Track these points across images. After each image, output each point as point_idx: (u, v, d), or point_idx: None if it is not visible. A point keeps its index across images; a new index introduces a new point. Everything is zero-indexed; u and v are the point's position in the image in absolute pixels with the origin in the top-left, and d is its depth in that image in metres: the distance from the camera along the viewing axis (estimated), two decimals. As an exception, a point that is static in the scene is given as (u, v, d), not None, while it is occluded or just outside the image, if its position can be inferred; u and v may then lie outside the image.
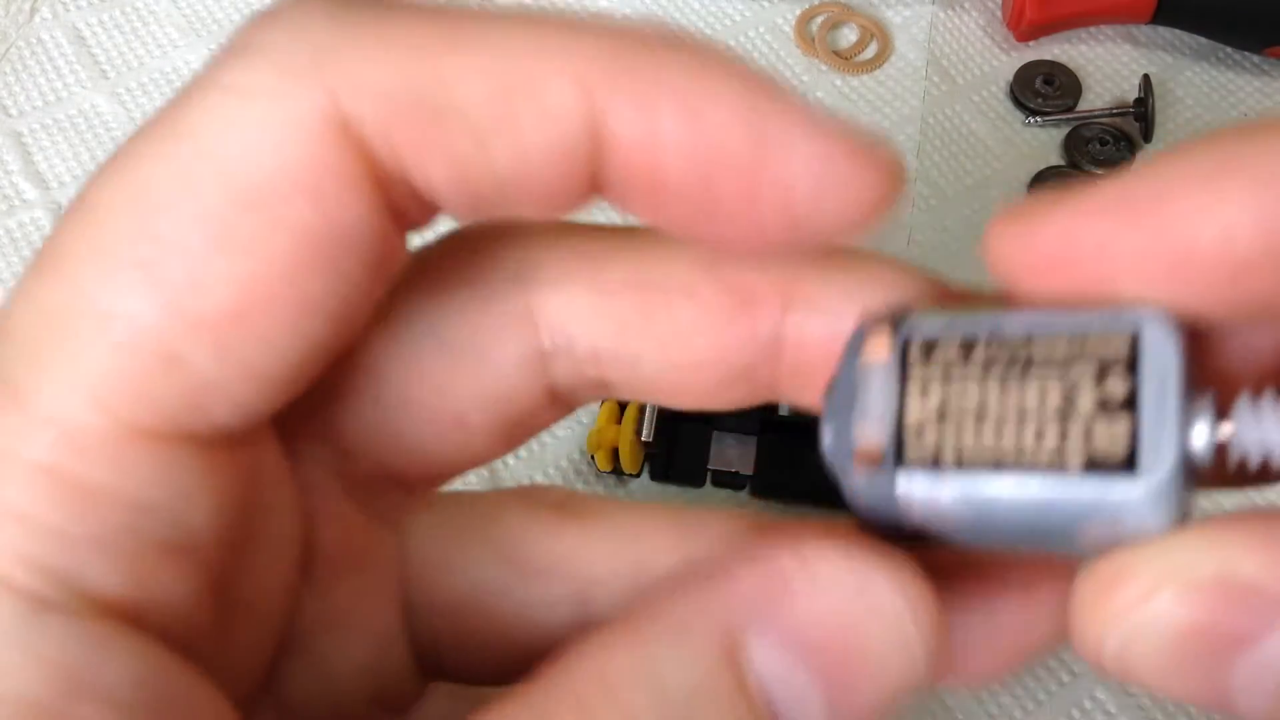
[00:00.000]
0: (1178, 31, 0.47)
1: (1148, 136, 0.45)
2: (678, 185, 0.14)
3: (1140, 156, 0.45)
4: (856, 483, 0.16)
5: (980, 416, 0.15)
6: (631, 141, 0.14)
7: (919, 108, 0.46)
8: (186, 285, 0.14)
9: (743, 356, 0.17)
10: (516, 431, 0.19)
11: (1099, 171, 0.44)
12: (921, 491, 0.15)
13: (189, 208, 0.14)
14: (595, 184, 0.15)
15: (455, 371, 0.18)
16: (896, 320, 0.16)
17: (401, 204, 0.15)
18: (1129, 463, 0.15)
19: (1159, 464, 0.14)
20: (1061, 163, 0.44)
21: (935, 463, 0.15)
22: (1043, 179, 0.44)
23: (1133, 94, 0.46)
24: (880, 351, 0.16)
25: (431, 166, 0.14)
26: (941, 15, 0.48)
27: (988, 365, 0.15)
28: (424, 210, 0.15)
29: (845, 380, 0.16)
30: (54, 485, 0.13)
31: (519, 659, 0.19)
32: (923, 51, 0.47)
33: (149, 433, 0.14)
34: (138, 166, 0.14)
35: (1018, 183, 0.44)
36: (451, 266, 0.18)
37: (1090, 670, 0.34)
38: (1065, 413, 0.15)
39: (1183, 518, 0.14)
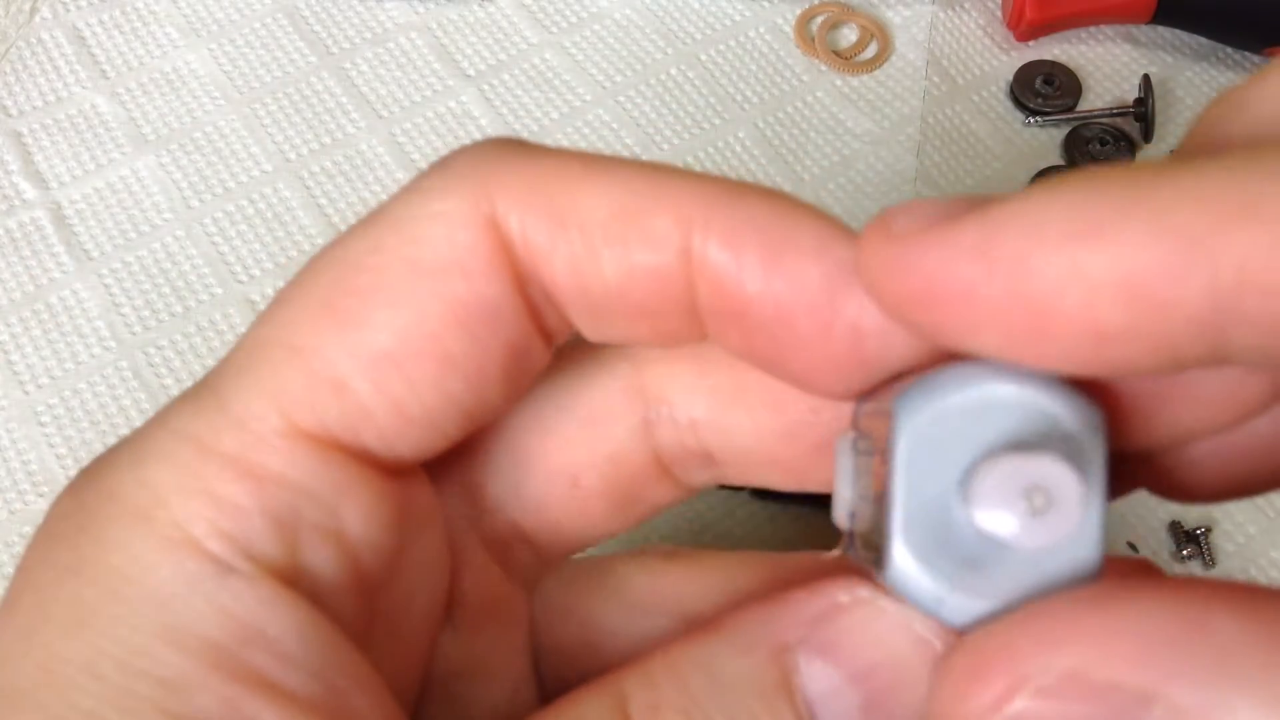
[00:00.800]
0: (1178, 32, 0.47)
1: (1148, 137, 0.45)
2: (757, 315, 0.17)
3: (1140, 157, 0.45)
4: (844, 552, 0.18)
5: (865, 499, 0.17)
6: (720, 273, 0.17)
7: (919, 108, 0.46)
8: (359, 330, 0.17)
9: (834, 425, 0.19)
10: (630, 499, 0.21)
11: (1099, 172, 0.44)
12: (861, 568, 0.17)
13: (372, 272, 0.17)
14: (696, 316, 0.18)
15: (570, 434, 0.20)
16: (865, 396, 0.17)
17: (538, 301, 0.18)
18: (880, 553, 0.15)
19: (887, 552, 0.15)
20: (1061, 163, 0.44)
21: (858, 553, 0.17)
22: (1043, 179, 0.44)
23: (1133, 94, 0.46)
24: (840, 439, 0.18)
25: (555, 265, 0.17)
26: (941, 15, 0.48)
27: (869, 447, 0.17)
28: (561, 320, 0.18)
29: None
30: (239, 470, 0.16)
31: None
32: (923, 51, 0.47)
33: (315, 438, 0.17)
34: (346, 240, 0.18)
35: (1017, 183, 0.44)
36: (575, 345, 0.20)
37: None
38: (877, 497, 0.16)
39: (955, 597, 0.15)
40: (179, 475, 0.16)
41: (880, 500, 0.16)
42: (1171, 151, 0.45)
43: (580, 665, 0.22)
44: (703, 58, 0.47)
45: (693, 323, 0.18)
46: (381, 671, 0.18)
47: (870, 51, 0.47)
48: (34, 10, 0.47)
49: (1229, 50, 0.47)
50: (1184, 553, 0.37)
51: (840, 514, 0.18)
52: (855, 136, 0.45)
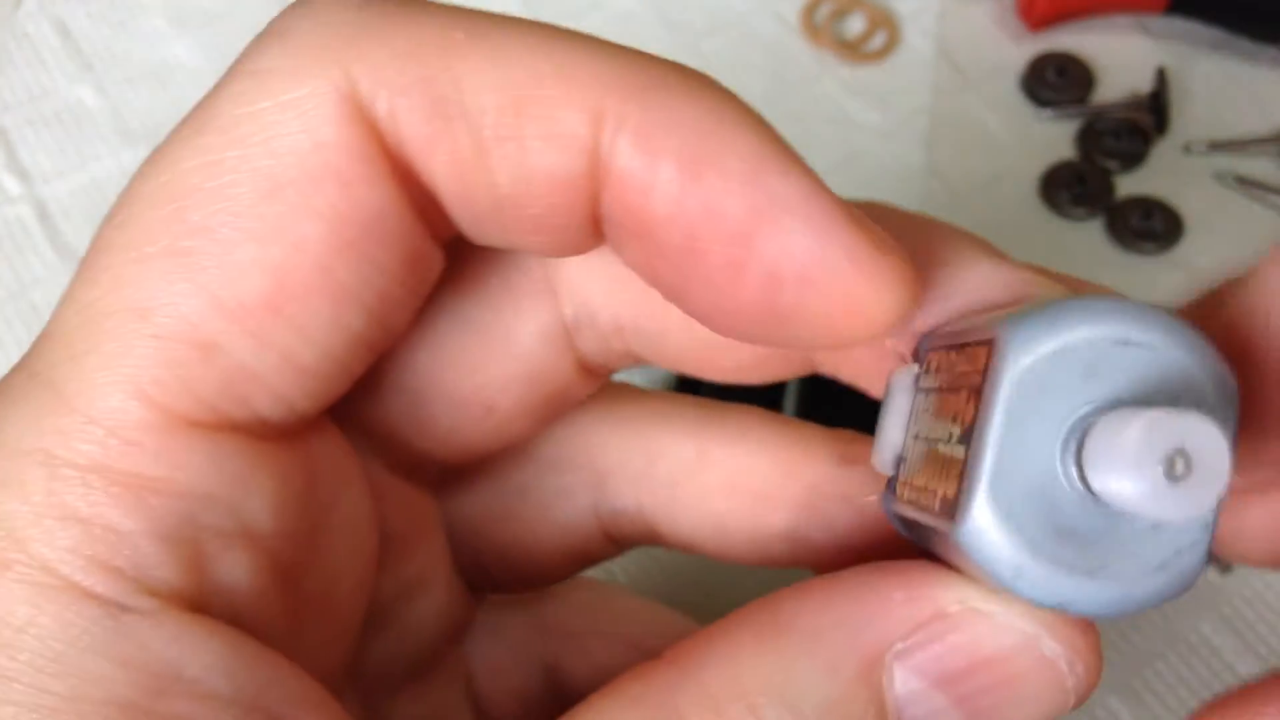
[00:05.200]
0: (1193, 22, 0.46)
1: (1162, 129, 0.44)
2: (664, 238, 0.14)
3: (1154, 150, 0.44)
4: (882, 496, 0.16)
5: (922, 439, 0.15)
6: (627, 182, 0.14)
7: (928, 100, 0.45)
8: (219, 274, 0.13)
9: None
10: (549, 408, 0.18)
11: (1112, 164, 0.43)
12: (901, 515, 0.15)
13: (218, 196, 0.14)
14: (595, 222, 0.15)
15: (480, 354, 0.17)
16: (921, 336, 0.15)
17: (424, 203, 0.15)
18: (955, 504, 0.13)
19: (967, 505, 0.13)
20: (1074, 157, 0.43)
21: (901, 497, 0.15)
22: (1056, 174, 0.43)
23: (1146, 86, 0.45)
24: (899, 374, 0.16)
25: (435, 165, 0.14)
26: (951, 4, 0.47)
27: (939, 383, 0.15)
28: (446, 222, 0.15)
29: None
30: (107, 483, 0.13)
31: (550, 556, 0.20)
32: (932, 41, 0.46)
33: (195, 423, 0.14)
34: (171, 158, 0.14)
35: (1030, 177, 0.43)
36: (472, 248, 0.17)
37: (1102, 678, 0.33)
38: (951, 438, 0.14)
39: (1044, 562, 0.13)
40: (30, 504, 0.13)
41: (928, 443, 0.14)
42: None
43: (495, 536, 0.20)
44: (705, 48, 0.46)
45: (594, 231, 0.15)
46: (315, 638, 0.16)
47: (878, 41, 0.46)
48: (18, 2, 0.46)
49: (1245, 42, 0.46)
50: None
51: (885, 457, 0.15)
52: (862, 129, 0.44)
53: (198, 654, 0.13)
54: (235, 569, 0.14)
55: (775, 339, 0.14)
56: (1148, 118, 0.44)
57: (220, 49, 0.46)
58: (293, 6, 0.14)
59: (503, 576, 0.21)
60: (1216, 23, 0.46)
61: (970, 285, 0.15)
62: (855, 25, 0.47)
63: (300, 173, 0.14)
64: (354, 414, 0.17)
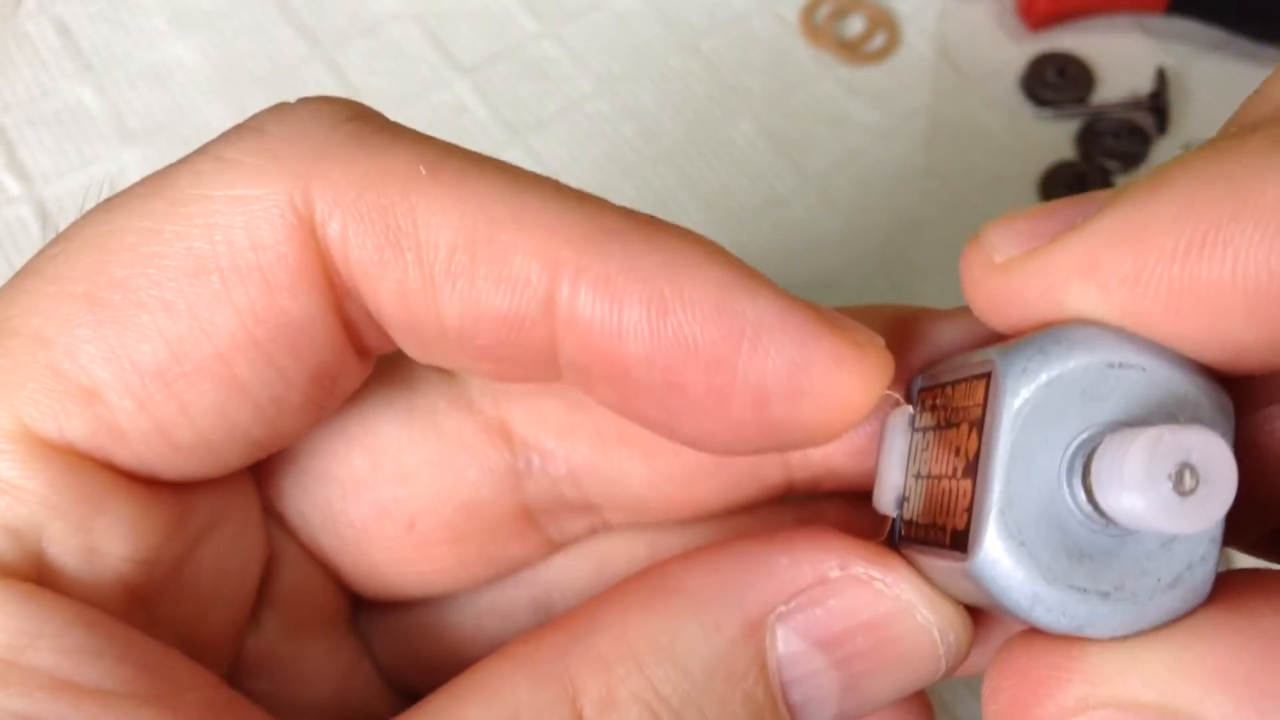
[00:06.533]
0: (1193, 22, 0.46)
1: (1162, 130, 0.44)
2: (642, 377, 0.14)
3: (1155, 151, 0.44)
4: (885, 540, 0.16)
5: (924, 477, 0.15)
6: (596, 329, 0.14)
7: (927, 100, 0.45)
8: (123, 331, 0.14)
9: (744, 461, 0.17)
10: (484, 555, 0.18)
11: (1112, 165, 0.43)
12: (909, 554, 0.15)
13: (146, 261, 0.14)
14: (551, 364, 0.15)
15: (415, 467, 0.17)
16: (912, 379, 0.16)
17: (358, 323, 0.15)
18: (966, 536, 0.13)
19: (979, 537, 0.13)
20: (1074, 157, 0.43)
21: (907, 536, 0.15)
22: (1056, 174, 0.43)
23: (1147, 86, 0.45)
24: (894, 416, 0.16)
25: (381, 292, 0.14)
26: (951, 4, 0.47)
27: (937, 420, 0.15)
28: (384, 339, 0.15)
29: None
30: None
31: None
32: (932, 41, 0.46)
33: (55, 447, 0.14)
34: (121, 212, 0.15)
35: (1029, 177, 0.43)
36: (427, 368, 0.17)
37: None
38: (955, 473, 0.14)
39: (1056, 584, 0.13)
40: None
41: (930, 480, 0.14)
42: (1184, 146, 0.44)
43: (419, 655, 0.19)
44: (705, 47, 0.46)
45: (547, 368, 0.15)
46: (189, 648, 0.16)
47: (878, 42, 0.46)
48: (18, 2, 0.46)
49: (1245, 42, 0.46)
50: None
51: (887, 500, 0.15)
52: (862, 129, 0.44)
53: (58, 613, 0.13)
54: (80, 576, 0.14)
55: (768, 448, 0.15)
56: (1148, 118, 0.44)
57: (218, 48, 0.46)
58: (277, 107, 0.15)
59: (426, 681, 0.20)
60: (1216, 23, 0.45)
61: (948, 335, 0.16)
62: (855, 25, 0.47)
63: (229, 264, 0.14)
64: (269, 490, 0.17)
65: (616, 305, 0.14)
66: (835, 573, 0.14)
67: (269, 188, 0.14)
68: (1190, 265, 0.12)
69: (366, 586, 0.18)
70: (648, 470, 0.17)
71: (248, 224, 0.14)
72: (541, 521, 0.18)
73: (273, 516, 0.18)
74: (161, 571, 0.15)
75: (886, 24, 0.46)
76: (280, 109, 0.15)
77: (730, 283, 0.14)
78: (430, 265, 0.14)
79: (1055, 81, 0.45)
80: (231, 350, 0.14)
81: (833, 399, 0.14)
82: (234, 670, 0.17)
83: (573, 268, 0.14)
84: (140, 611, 0.15)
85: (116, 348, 0.14)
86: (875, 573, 0.14)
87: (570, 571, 0.19)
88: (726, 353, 0.14)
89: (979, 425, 0.13)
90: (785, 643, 0.14)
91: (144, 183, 0.15)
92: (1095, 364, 0.13)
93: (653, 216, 0.14)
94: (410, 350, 0.15)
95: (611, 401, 0.15)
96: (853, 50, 0.46)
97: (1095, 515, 0.13)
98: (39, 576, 0.14)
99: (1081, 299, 0.13)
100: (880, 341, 0.14)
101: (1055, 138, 0.44)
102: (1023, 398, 0.13)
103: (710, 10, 0.47)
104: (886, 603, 0.14)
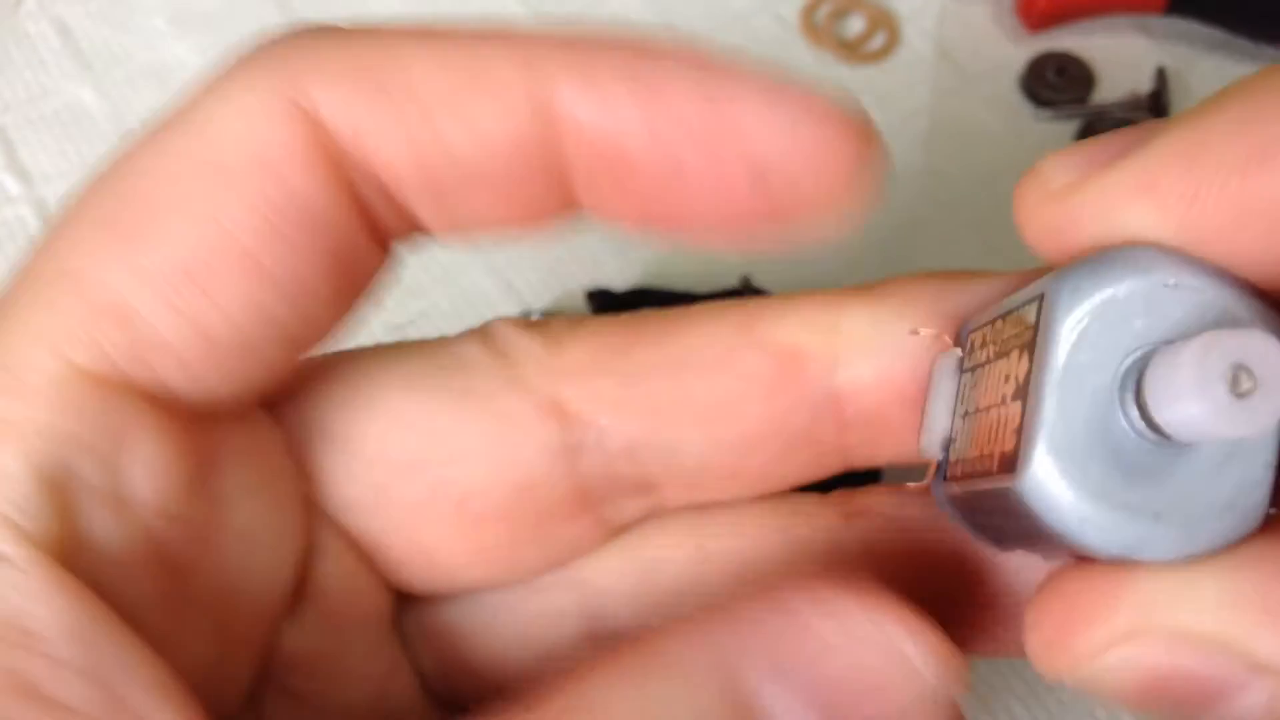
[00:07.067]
0: (1193, 23, 0.46)
1: (1162, 130, 0.44)
2: (644, 168, 0.15)
3: (1155, 150, 0.44)
4: (930, 483, 0.16)
5: (972, 414, 0.15)
6: (591, 128, 0.14)
7: (927, 100, 0.45)
8: (143, 243, 0.14)
9: (798, 422, 0.17)
10: (531, 532, 0.18)
11: (1112, 166, 0.43)
12: (954, 494, 0.15)
13: (156, 175, 0.15)
14: (564, 186, 0.15)
15: (466, 446, 0.17)
16: (963, 322, 0.16)
17: (369, 200, 0.15)
18: (1015, 458, 0.13)
19: (1028, 455, 0.13)
20: (1074, 157, 0.43)
21: (952, 477, 0.15)
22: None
23: (1146, 87, 0.45)
24: (942, 359, 0.16)
25: (391, 148, 0.15)
26: (951, 4, 0.47)
27: (986, 355, 0.15)
28: (398, 215, 0.16)
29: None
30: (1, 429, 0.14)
31: (525, 673, 0.19)
32: (931, 41, 0.46)
33: (97, 378, 0.14)
34: (135, 146, 0.15)
35: (1029, 177, 0.43)
36: (470, 340, 0.18)
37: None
38: (1004, 399, 0.14)
39: (1112, 508, 0.12)
40: None
41: (979, 414, 0.14)
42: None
43: (459, 652, 0.19)
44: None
45: (561, 192, 0.15)
46: (195, 657, 0.15)
47: (878, 42, 0.46)
48: (18, 2, 0.46)
49: (1245, 42, 0.46)
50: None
51: (933, 443, 0.15)
52: (862, 130, 0.44)
53: (50, 612, 0.13)
54: (104, 529, 0.14)
55: (773, 220, 0.15)
56: (1148, 118, 0.44)
57: (220, 49, 0.46)
58: (260, 40, 0.16)
59: (468, 690, 0.19)
60: (1216, 23, 0.45)
61: (996, 289, 0.16)
62: (855, 25, 0.47)
63: (235, 161, 0.15)
64: (313, 482, 0.17)
65: (607, 101, 0.14)
66: (815, 618, 0.14)
67: (260, 87, 0.15)
68: (1250, 179, 0.12)
69: (415, 573, 0.18)
70: (702, 438, 0.17)
71: (246, 122, 0.15)
72: (595, 502, 0.18)
73: (314, 512, 0.17)
74: (190, 532, 0.15)
75: (886, 24, 0.46)
76: (259, 40, 0.16)
77: (707, 63, 0.15)
78: (429, 107, 0.15)
79: (1055, 81, 0.45)
80: (253, 241, 0.15)
81: (824, 154, 0.14)
82: (271, 666, 0.17)
83: (553, 73, 0.15)
84: (171, 580, 0.15)
85: (142, 261, 0.14)
86: (869, 624, 0.14)
87: (618, 576, 0.19)
88: (719, 124, 0.14)
89: (1030, 347, 0.13)
90: (773, 699, 0.14)
91: (156, 124, 0.16)
92: (1150, 284, 0.13)
93: (621, 27, 0.15)
94: (429, 217, 0.16)
95: (623, 209, 0.15)
96: (853, 50, 0.46)
97: (1148, 432, 0.12)
98: (66, 532, 0.14)
99: (1139, 220, 0.13)
100: (848, 101, 0.15)
101: (1055, 138, 0.44)
102: (1075, 316, 0.13)
103: (710, 10, 0.47)
104: (872, 645, 0.14)
